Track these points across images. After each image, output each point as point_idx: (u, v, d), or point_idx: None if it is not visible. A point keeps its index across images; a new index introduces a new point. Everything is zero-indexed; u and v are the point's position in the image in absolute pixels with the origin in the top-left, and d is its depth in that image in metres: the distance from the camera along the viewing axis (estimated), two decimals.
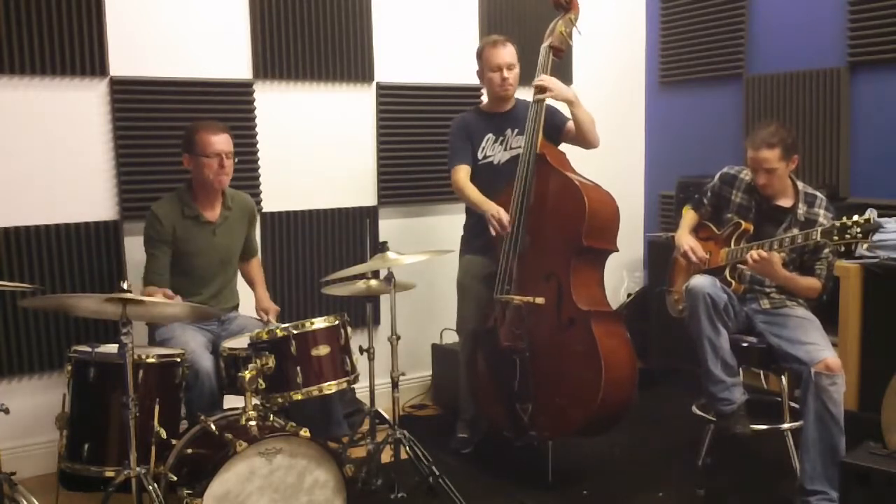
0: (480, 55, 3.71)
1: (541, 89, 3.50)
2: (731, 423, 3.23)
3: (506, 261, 3.49)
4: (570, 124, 3.65)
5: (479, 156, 3.74)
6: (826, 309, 3.38)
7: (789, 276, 3.21)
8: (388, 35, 4.33)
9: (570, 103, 3.58)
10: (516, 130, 3.70)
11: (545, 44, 3.61)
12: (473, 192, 3.64)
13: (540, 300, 3.37)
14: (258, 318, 3.53)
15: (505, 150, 3.73)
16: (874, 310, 3.64)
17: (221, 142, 3.31)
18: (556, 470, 3.41)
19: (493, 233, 3.48)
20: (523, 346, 3.40)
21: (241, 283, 3.67)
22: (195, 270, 3.41)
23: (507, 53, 3.66)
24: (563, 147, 3.72)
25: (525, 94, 3.67)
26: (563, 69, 4.86)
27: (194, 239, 3.38)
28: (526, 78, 3.72)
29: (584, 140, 3.65)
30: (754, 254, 3.13)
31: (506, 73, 3.65)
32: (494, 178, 3.68)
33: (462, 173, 3.71)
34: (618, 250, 3.48)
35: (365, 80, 4.29)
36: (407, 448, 3.27)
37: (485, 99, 3.96)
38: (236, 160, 3.43)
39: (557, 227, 3.42)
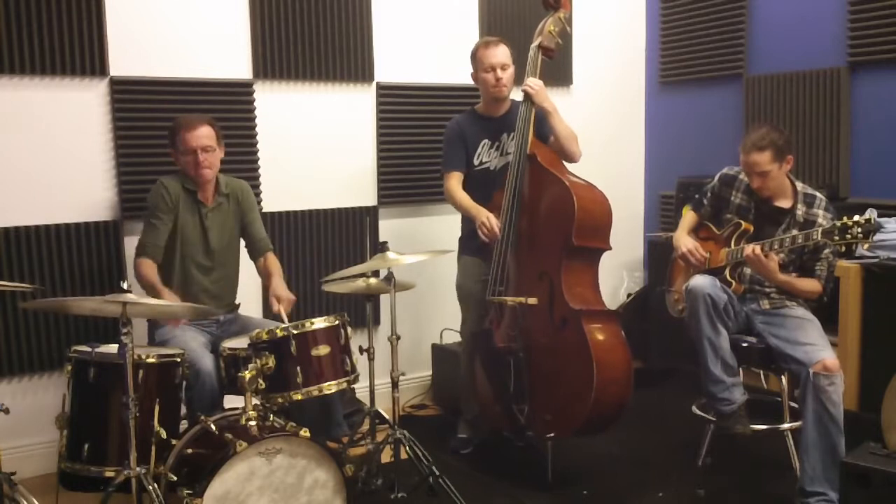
0: (474, 57, 3.69)
1: (527, 94, 3.50)
2: (731, 423, 3.23)
3: (498, 262, 3.49)
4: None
5: (475, 161, 3.72)
6: (826, 309, 3.38)
7: (787, 279, 3.21)
8: (388, 35, 4.33)
9: (546, 112, 3.54)
10: (512, 135, 3.65)
11: (534, 43, 3.59)
12: (464, 199, 3.64)
13: (532, 300, 3.37)
14: (272, 307, 3.36)
15: (500, 155, 3.72)
16: (874, 310, 3.64)
17: (197, 137, 3.30)
18: (556, 470, 3.41)
19: (484, 240, 3.48)
20: (518, 346, 3.40)
21: (241, 283, 3.66)
22: (186, 259, 3.38)
23: (499, 53, 3.62)
24: None
25: (520, 96, 3.64)
26: (562, 69, 4.86)
27: (188, 218, 3.37)
28: (522, 79, 3.69)
29: (563, 152, 3.60)
30: (751, 248, 3.14)
31: (499, 73, 3.61)
32: (490, 184, 3.66)
33: (454, 180, 3.70)
34: (610, 249, 3.48)
35: (365, 80, 4.29)
36: (407, 448, 3.27)
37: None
38: (222, 152, 3.41)
39: (548, 227, 3.42)
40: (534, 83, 3.52)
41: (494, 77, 3.62)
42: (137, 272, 3.28)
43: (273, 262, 3.56)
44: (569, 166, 3.58)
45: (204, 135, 3.32)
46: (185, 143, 3.30)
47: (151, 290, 3.19)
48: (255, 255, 3.58)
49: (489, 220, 3.46)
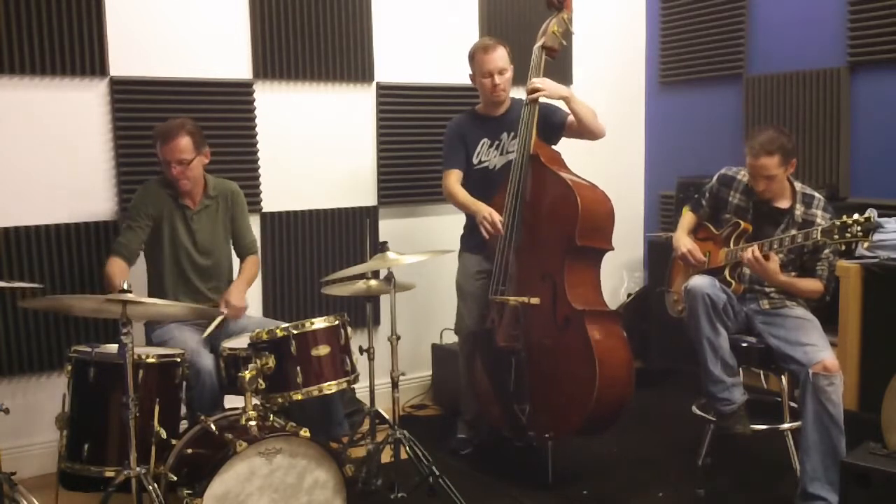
0: (472, 59, 3.68)
1: (533, 91, 3.48)
2: (731, 423, 3.23)
3: (501, 261, 3.49)
4: (572, 118, 3.63)
5: (475, 161, 3.72)
6: (826, 309, 3.38)
7: (788, 280, 3.21)
8: (388, 35, 4.33)
9: (565, 100, 3.56)
10: (512, 134, 3.65)
11: (538, 44, 3.59)
12: (463, 195, 3.64)
13: (535, 300, 3.37)
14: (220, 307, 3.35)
15: (500, 154, 3.71)
16: (874, 310, 3.64)
17: (172, 151, 3.28)
18: (555, 470, 3.41)
19: (486, 235, 3.48)
20: (519, 346, 3.40)
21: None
22: (178, 262, 3.39)
23: (497, 58, 3.60)
24: (566, 144, 3.71)
25: (522, 94, 3.63)
26: (562, 69, 4.86)
27: (174, 221, 3.39)
28: (523, 79, 3.69)
29: (587, 132, 3.63)
30: (750, 252, 3.14)
31: (497, 80, 3.60)
32: (490, 183, 3.65)
33: (453, 178, 3.69)
34: (613, 249, 3.48)
35: (365, 80, 4.29)
36: (407, 448, 3.27)
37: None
38: (206, 157, 3.41)
39: (551, 227, 3.42)
40: (539, 83, 3.49)
41: (492, 83, 3.61)
42: (105, 269, 3.33)
43: (249, 265, 3.59)
44: (571, 167, 3.58)
45: (179, 148, 3.28)
46: (161, 154, 3.31)
47: (108, 289, 3.24)
48: (240, 257, 3.61)
49: (491, 215, 3.46)
